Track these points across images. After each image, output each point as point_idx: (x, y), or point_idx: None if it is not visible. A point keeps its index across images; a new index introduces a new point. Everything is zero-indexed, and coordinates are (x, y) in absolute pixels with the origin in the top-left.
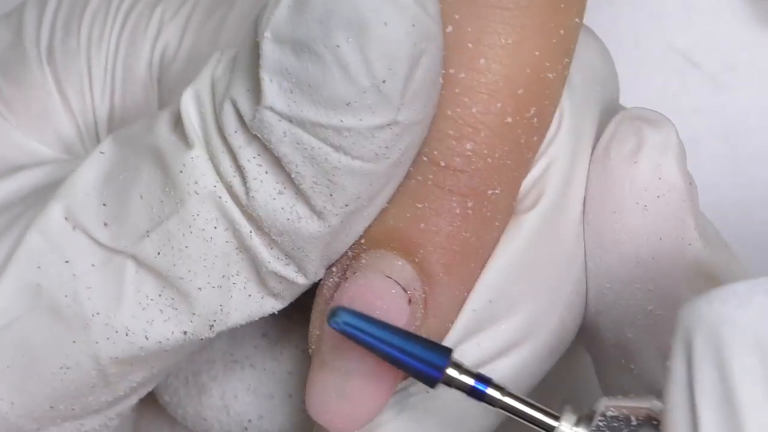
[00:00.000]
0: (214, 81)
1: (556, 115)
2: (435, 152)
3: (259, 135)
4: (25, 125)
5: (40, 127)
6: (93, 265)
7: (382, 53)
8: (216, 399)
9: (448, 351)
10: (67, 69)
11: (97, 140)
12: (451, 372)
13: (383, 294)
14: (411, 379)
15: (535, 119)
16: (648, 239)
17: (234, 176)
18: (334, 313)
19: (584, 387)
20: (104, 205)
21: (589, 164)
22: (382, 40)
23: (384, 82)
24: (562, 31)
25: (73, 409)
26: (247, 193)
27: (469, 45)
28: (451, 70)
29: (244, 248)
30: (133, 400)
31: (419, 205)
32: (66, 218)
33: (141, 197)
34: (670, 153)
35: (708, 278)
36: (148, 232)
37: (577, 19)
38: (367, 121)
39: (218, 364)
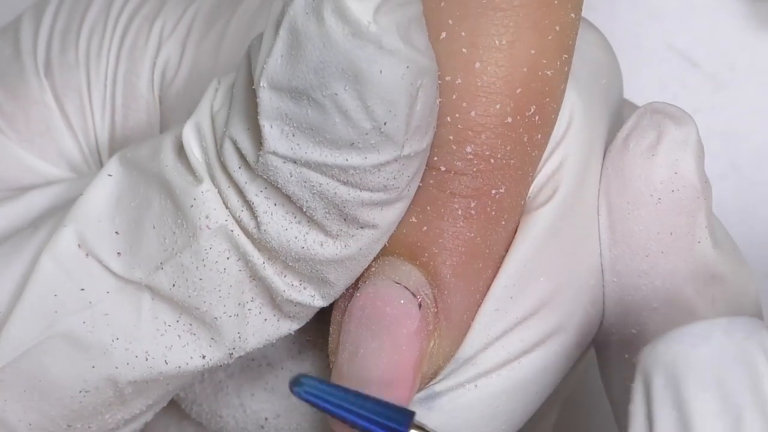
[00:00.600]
0: (213, 114)
1: (566, 111)
2: (435, 158)
3: (264, 176)
4: (27, 142)
5: (43, 144)
6: (108, 293)
7: (381, 98)
8: (232, 397)
9: (410, 413)
10: (66, 85)
11: (99, 158)
12: None
13: (392, 300)
14: (437, 378)
15: (537, 117)
16: (659, 233)
17: (242, 210)
18: (296, 381)
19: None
20: (117, 233)
21: (606, 156)
22: (379, 86)
23: (385, 123)
24: (557, 28)
25: (89, 427)
26: (258, 227)
27: (464, 50)
28: (447, 78)
29: (258, 278)
30: (149, 416)
31: (422, 210)
32: (79, 245)
33: (153, 227)
34: (689, 149)
35: (712, 278)
36: (161, 263)
37: (573, 15)
38: (372, 159)
39: (235, 362)
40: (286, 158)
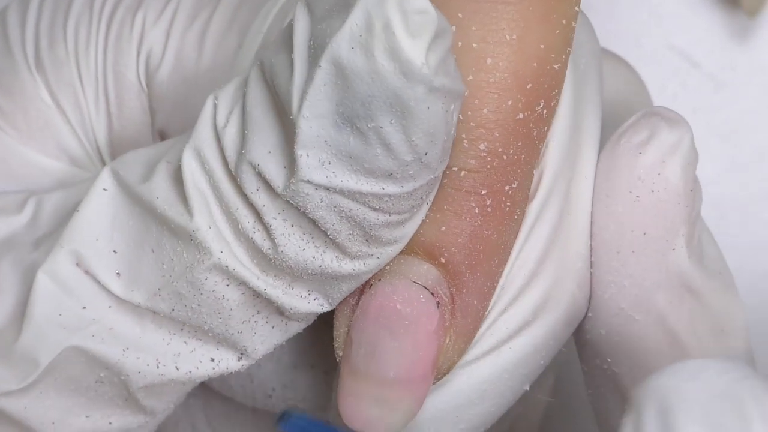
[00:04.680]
0: (219, 131)
1: None
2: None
3: (292, 202)
4: (27, 138)
5: (43, 140)
6: (110, 307)
7: (425, 131)
8: None
9: None
10: (59, 80)
11: (99, 151)
12: None
13: (411, 300)
14: None
15: (545, 111)
16: (633, 231)
17: (255, 232)
18: (283, 416)
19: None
20: (114, 252)
21: (602, 151)
22: (426, 122)
23: (426, 154)
24: (564, 21)
25: (110, 423)
26: (275, 248)
27: (474, 45)
28: None
29: (261, 297)
30: (164, 415)
31: (439, 209)
32: (77, 264)
33: (152, 251)
34: (677, 154)
35: (688, 292)
36: (159, 289)
37: (576, 8)
38: (408, 186)
39: None
40: (319, 186)
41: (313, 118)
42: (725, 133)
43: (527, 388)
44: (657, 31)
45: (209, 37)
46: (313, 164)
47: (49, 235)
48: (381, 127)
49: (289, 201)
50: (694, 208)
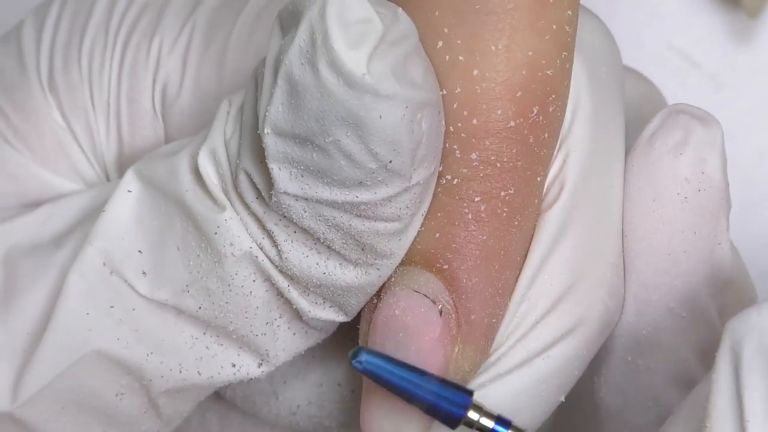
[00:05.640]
0: (226, 141)
1: (570, 106)
2: (441, 167)
3: (278, 213)
4: (42, 158)
5: (57, 160)
6: (134, 309)
7: (383, 140)
8: (265, 384)
9: (470, 393)
10: (72, 104)
11: (107, 176)
12: (473, 415)
13: (413, 309)
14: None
15: (540, 117)
16: (683, 232)
17: (263, 238)
18: (356, 353)
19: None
20: (140, 251)
21: (630, 154)
22: (380, 130)
23: (390, 161)
24: (554, 26)
25: None
26: (280, 255)
27: (461, 58)
28: (444, 91)
29: (284, 298)
30: (178, 421)
31: (433, 217)
32: (104, 263)
33: (178, 248)
34: (716, 150)
35: (725, 284)
36: (187, 286)
37: (570, 12)
38: (382, 193)
39: None
40: (297, 197)
41: (275, 135)
42: (725, 133)
43: (563, 399)
44: (657, 31)
45: (228, 60)
46: (285, 177)
47: (72, 232)
48: (339, 140)
49: (277, 211)
50: (730, 201)
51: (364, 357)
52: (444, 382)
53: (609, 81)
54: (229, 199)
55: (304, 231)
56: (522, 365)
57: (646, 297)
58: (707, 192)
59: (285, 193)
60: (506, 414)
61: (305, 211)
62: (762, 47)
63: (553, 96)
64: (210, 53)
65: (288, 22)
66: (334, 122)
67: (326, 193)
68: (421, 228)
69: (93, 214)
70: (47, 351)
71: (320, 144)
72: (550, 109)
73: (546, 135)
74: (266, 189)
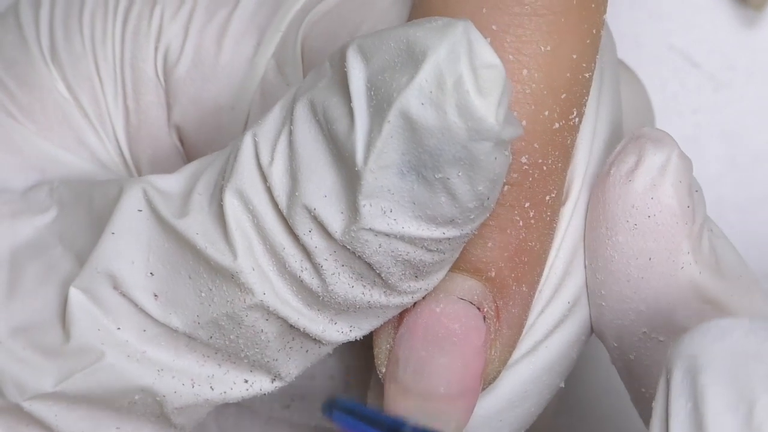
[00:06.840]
0: (266, 171)
1: None
2: None
3: (349, 247)
4: (46, 131)
5: (62, 133)
6: (144, 331)
7: (490, 180)
8: None
9: None
10: (77, 74)
11: (117, 143)
12: None
13: (460, 317)
14: None
15: (577, 119)
16: (637, 258)
17: (303, 271)
18: (331, 404)
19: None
20: (151, 274)
21: (594, 183)
22: (491, 172)
23: (488, 198)
24: (594, 31)
25: None
26: (325, 287)
27: (510, 57)
28: None
29: (299, 329)
30: (191, 428)
31: (484, 225)
32: (114, 287)
33: (190, 278)
34: (667, 174)
35: (709, 304)
36: (198, 317)
37: (603, 17)
38: (468, 229)
39: None
40: (379, 233)
41: (379, 170)
42: (725, 133)
43: (563, 384)
44: (657, 31)
45: (229, 33)
46: (375, 213)
47: (74, 233)
48: (448, 179)
49: (345, 246)
50: (694, 221)
51: (336, 409)
52: (418, 429)
53: (609, 78)
54: (263, 233)
55: (357, 264)
56: (527, 354)
57: (620, 323)
58: (658, 217)
59: (369, 229)
60: (515, 403)
61: (380, 247)
62: (762, 47)
63: (586, 98)
64: (212, 24)
65: (380, 53)
66: (449, 161)
67: (413, 228)
68: (471, 237)
69: (101, 218)
70: (69, 358)
71: (427, 177)
72: (582, 111)
73: (576, 136)
74: (335, 222)
